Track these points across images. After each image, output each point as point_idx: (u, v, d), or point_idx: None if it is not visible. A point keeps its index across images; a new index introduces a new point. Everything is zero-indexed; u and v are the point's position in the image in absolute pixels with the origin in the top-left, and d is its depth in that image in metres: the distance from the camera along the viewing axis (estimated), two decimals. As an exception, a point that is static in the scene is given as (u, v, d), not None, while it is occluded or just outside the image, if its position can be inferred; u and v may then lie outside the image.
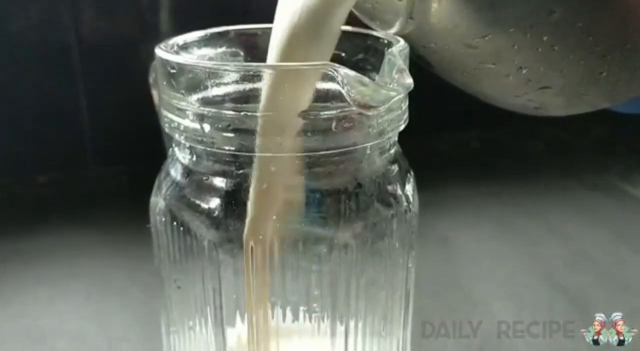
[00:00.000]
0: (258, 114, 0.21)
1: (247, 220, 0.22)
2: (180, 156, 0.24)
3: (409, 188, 0.25)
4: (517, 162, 0.63)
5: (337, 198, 0.23)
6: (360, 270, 0.23)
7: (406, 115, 0.24)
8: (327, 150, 0.21)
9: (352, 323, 0.24)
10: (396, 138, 0.24)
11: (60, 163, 0.56)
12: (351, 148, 0.22)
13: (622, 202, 0.55)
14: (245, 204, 0.22)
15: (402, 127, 0.24)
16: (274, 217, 0.22)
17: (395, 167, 0.25)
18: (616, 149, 0.65)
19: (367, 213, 0.23)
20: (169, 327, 0.26)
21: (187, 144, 0.23)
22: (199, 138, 0.22)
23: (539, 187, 0.57)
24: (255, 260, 0.22)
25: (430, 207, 0.31)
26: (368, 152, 0.23)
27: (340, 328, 0.24)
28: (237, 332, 0.25)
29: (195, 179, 0.23)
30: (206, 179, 0.23)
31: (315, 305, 0.24)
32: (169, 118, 0.23)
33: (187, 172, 0.23)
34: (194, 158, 0.23)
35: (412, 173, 0.26)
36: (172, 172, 0.24)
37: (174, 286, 0.25)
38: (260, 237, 0.22)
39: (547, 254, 0.46)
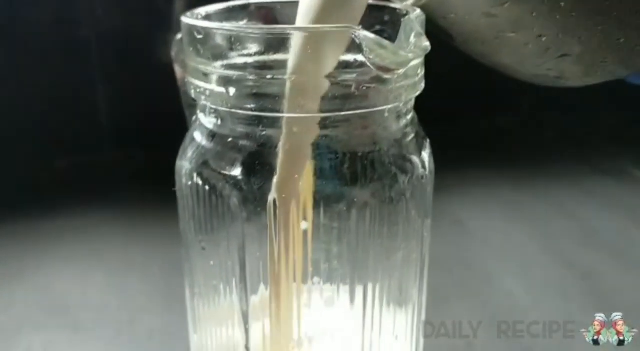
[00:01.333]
0: (283, 77, 0.22)
1: (275, 180, 0.23)
2: (205, 121, 0.25)
3: (425, 155, 0.26)
4: (530, 149, 0.63)
5: (356, 160, 0.23)
6: (377, 230, 0.24)
7: (422, 83, 0.25)
8: (347, 111, 0.22)
9: (370, 285, 0.25)
10: (412, 105, 0.25)
11: (79, 147, 0.58)
12: (370, 110, 0.23)
13: (634, 187, 0.55)
14: (268, 164, 0.23)
15: (418, 93, 0.24)
16: (296, 176, 0.23)
17: (412, 134, 0.25)
18: (627, 137, 0.65)
19: (384, 175, 0.24)
20: (193, 289, 0.27)
21: (213, 108, 0.24)
22: (225, 102, 0.23)
23: (551, 172, 0.57)
24: (278, 218, 0.23)
25: (444, 190, 0.31)
26: (386, 115, 0.24)
27: (359, 289, 0.25)
28: (261, 292, 0.25)
29: (220, 142, 0.24)
30: (230, 141, 0.24)
31: (335, 262, 0.24)
32: (195, 84, 0.24)
33: (212, 135, 0.24)
34: (219, 122, 0.24)
35: (428, 140, 0.26)
36: (197, 137, 0.25)
37: (198, 248, 0.26)
38: (283, 196, 0.23)
39: (559, 234, 0.47)
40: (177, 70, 0.32)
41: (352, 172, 0.23)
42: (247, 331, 0.25)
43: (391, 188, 0.24)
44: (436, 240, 0.29)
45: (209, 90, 0.23)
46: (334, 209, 0.24)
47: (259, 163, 0.23)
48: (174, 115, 0.30)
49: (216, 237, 0.25)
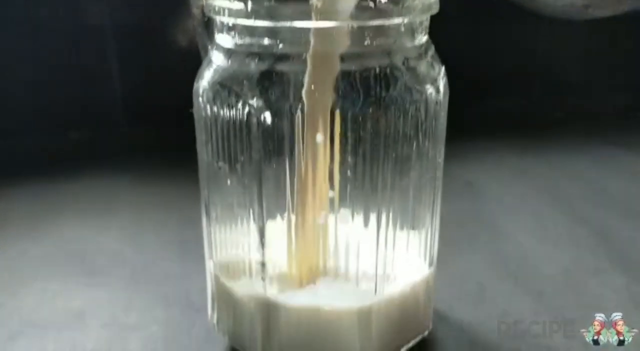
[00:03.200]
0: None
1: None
2: (223, 41, 0.25)
3: (440, 80, 0.26)
4: (541, 124, 0.63)
5: (372, 74, 0.24)
6: (392, 143, 0.24)
7: (437, 5, 0.25)
8: (364, 22, 0.23)
9: (384, 209, 0.25)
10: (427, 25, 0.26)
11: (93, 122, 0.58)
12: (386, 21, 0.23)
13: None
14: (285, 78, 0.24)
15: (432, 12, 0.25)
16: (312, 87, 0.23)
17: (427, 57, 0.26)
18: (638, 115, 0.65)
19: (399, 91, 0.24)
20: (210, 214, 0.27)
21: (231, 26, 0.24)
22: (243, 16, 0.23)
23: (562, 144, 0.58)
24: (298, 128, 0.24)
25: (455, 158, 0.32)
26: (402, 30, 0.24)
27: (373, 215, 0.25)
28: (278, 212, 0.26)
29: (237, 59, 0.25)
30: (247, 57, 0.24)
31: (349, 173, 0.25)
32: (214, 5, 0.25)
33: (230, 53, 0.25)
34: (237, 40, 0.25)
35: (443, 67, 0.27)
36: (214, 59, 0.26)
37: (215, 168, 0.26)
38: (309, 105, 0.23)
39: (570, 194, 0.47)
40: (195, 11, 0.33)
41: (368, 84, 0.24)
42: (262, 245, 0.25)
43: (405, 106, 0.25)
44: (447, 199, 0.29)
45: (227, 8, 0.24)
46: (349, 121, 0.24)
47: (276, 75, 0.24)
48: (185, 91, 0.30)
49: (233, 154, 0.25)
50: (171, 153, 0.48)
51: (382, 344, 0.26)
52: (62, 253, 0.39)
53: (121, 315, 0.33)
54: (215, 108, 0.25)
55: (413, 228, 0.27)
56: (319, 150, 0.24)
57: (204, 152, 0.27)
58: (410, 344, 0.28)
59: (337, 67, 0.23)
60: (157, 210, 0.45)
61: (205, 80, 0.26)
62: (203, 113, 0.26)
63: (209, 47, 0.27)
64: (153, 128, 0.58)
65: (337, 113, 0.24)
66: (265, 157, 0.24)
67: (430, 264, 0.28)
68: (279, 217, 0.26)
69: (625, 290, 0.35)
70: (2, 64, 0.55)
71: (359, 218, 0.26)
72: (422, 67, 0.26)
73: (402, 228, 0.27)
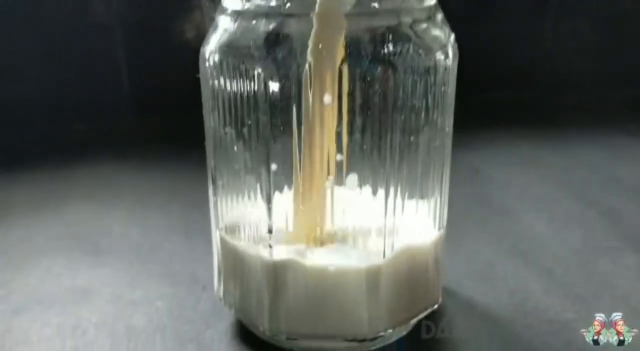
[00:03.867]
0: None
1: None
2: (230, 4, 0.25)
3: (450, 47, 0.26)
4: (549, 114, 0.63)
5: (380, 34, 0.24)
6: (400, 106, 0.24)
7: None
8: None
9: (392, 181, 0.25)
10: (435, -12, 0.26)
11: (100, 114, 0.58)
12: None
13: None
14: (291, 37, 0.23)
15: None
16: (319, 46, 0.23)
17: (436, 20, 0.26)
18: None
19: (407, 53, 0.24)
20: (217, 183, 0.27)
21: (238, -15, 0.24)
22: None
23: (569, 131, 0.57)
24: (305, 88, 0.23)
25: (461, 145, 0.32)
26: (409, -10, 0.24)
27: (382, 182, 0.25)
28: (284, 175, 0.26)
29: (244, 20, 0.24)
30: (254, 18, 0.24)
31: (357, 135, 0.24)
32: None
33: (237, 16, 0.25)
34: (244, 1, 0.24)
35: (453, 35, 0.26)
36: (221, 23, 0.25)
37: (221, 133, 0.26)
38: (316, 63, 0.23)
39: (578, 180, 0.47)
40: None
41: (375, 44, 0.23)
42: (269, 210, 0.25)
43: (413, 65, 0.24)
44: (454, 185, 0.29)
45: (237, -32, 0.24)
46: (356, 80, 0.24)
47: (283, 37, 0.24)
48: (189, 85, 0.30)
49: (240, 118, 0.25)
50: (176, 143, 0.48)
51: (391, 313, 0.26)
52: (68, 235, 0.39)
53: (126, 291, 0.32)
54: (221, 72, 0.25)
55: (422, 198, 0.27)
56: (327, 111, 0.24)
57: (210, 118, 0.26)
58: (420, 316, 0.28)
59: (344, 26, 0.23)
60: (163, 196, 0.45)
61: (212, 44, 0.25)
62: (209, 78, 0.26)
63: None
64: (158, 118, 0.58)
65: (345, 73, 0.23)
66: (272, 120, 0.24)
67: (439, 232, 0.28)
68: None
69: (636, 268, 0.34)
70: (13, 61, 0.55)
71: (367, 187, 0.26)
72: (431, 30, 0.25)
73: (410, 197, 0.26)
